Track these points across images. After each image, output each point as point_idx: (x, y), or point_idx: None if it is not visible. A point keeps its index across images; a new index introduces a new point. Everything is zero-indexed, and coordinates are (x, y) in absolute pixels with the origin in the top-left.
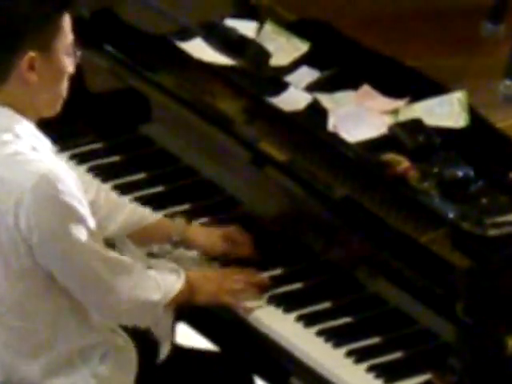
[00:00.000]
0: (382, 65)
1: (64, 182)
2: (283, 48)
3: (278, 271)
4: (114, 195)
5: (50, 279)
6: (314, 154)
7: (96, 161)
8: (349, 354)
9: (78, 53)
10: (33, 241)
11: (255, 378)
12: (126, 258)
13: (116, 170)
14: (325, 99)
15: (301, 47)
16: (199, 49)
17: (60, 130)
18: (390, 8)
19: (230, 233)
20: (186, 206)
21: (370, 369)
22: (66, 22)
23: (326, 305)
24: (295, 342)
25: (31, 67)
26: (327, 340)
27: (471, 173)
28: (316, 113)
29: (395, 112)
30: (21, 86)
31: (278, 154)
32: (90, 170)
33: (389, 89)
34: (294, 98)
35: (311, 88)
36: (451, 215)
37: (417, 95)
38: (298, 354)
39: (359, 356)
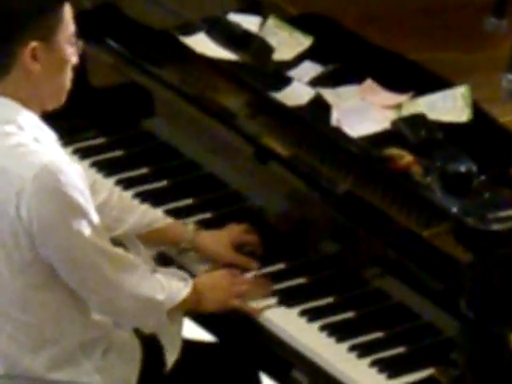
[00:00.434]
0: (386, 59)
1: (66, 173)
2: (286, 43)
3: (281, 266)
4: (127, 197)
5: (52, 273)
6: (317, 149)
7: (99, 156)
8: (352, 348)
9: (80, 42)
10: (33, 231)
11: (258, 373)
12: (131, 256)
13: (119, 164)
14: (328, 94)
15: (304, 42)
16: (202, 43)
17: (62, 125)
18: (393, 2)
19: (240, 238)
20: (188, 201)
21: (373, 363)
22: (67, 11)
23: (329, 299)
24: (298, 336)
25: (34, 57)
26: (330, 335)
27: (474, 167)
28: (319, 107)
29: (398, 107)
30: (24, 76)
31: (281, 149)
32: (93, 164)
33: (392, 83)
34: (297, 93)
35: (314, 83)
36: (454, 210)
37: (420, 90)
38: (301, 348)
39: (362, 351)
